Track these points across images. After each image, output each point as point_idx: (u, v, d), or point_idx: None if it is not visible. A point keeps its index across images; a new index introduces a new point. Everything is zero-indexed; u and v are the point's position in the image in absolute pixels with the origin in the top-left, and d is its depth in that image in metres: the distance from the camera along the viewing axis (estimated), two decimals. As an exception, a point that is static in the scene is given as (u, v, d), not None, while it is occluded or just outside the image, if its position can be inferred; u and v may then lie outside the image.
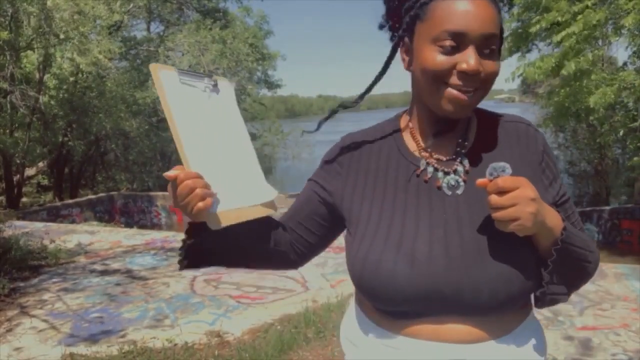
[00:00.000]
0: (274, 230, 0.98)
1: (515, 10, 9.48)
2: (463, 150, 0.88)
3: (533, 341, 0.87)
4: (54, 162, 13.86)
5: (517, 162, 0.86)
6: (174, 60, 15.84)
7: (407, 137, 0.92)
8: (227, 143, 0.91)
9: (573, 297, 3.38)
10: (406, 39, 0.86)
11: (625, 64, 10.06)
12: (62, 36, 9.78)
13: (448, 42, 0.78)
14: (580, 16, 6.93)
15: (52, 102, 12.06)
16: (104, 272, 5.10)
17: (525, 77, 8.71)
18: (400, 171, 0.89)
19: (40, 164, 13.82)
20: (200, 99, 0.90)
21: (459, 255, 0.81)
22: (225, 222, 0.84)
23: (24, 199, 13.12)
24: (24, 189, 13.01)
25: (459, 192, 0.85)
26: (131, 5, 14.03)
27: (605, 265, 4.69)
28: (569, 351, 3.02)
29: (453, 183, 0.86)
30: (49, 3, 9.29)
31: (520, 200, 0.74)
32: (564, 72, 7.51)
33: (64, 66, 10.76)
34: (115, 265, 5.37)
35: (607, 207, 12.66)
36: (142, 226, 12.32)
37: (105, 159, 17.32)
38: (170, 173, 0.80)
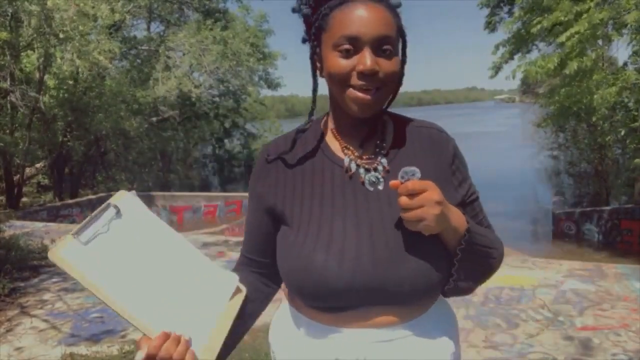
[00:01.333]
0: (255, 297, 1.02)
1: (516, 12, 9.49)
2: (382, 151, 0.95)
3: (444, 317, 0.98)
4: (54, 162, 13.86)
5: (430, 163, 0.95)
6: (174, 60, 15.85)
7: (329, 138, 0.98)
8: (164, 265, 0.88)
9: (573, 297, 3.36)
10: (317, 49, 0.93)
11: (625, 63, 10.07)
12: (62, 36, 9.77)
13: (346, 46, 0.86)
14: (585, 15, 6.93)
15: (52, 102, 12.06)
16: (104, 272, 5.10)
17: (526, 76, 8.71)
18: (326, 171, 0.94)
19: (40, 164, 13.81)
20: (111, 243, 0.84)
21: (384, 251, 0.87)
22: (211, 355, 0.86)
23: (24, 199, 13.11)
24: (24, 189, 13.00)
25: (380, 188, 0.92)
26: (131, 5, 14.03)
27: (605, 265, 4.69)
28: (569, 351, 3.01)
29: (374, 179, 0.92)
30: (49, 3, 9.28)
31: (426, 202, 0.82)
32: (566, 71, 7.51)
33: (64, 67, 10.75)
34: (115, 265, 5.37)
35: (607, 207, 12.65)
36: (142, 226, 12.28)
37: (105, 159, 17.31)
38: (139, 357, 0.82)
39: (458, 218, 0.88)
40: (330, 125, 0.99)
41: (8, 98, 10.44)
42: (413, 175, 0.83)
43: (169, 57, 15.69)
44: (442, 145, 0.98)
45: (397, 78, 0.90)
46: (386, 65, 0.87)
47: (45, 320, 3.86)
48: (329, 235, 0.88)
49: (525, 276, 4.37)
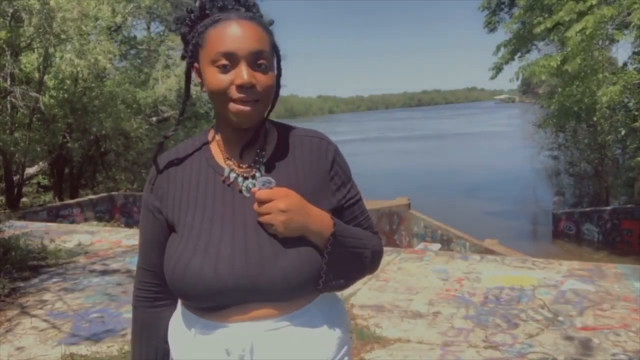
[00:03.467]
0: (165, 324, 1.10)
1: (516, 11, 9.50)
2: (261, 159, 1.02)
3: (329, 306, 1.04)
4: (54, 162, 13.86)
5: (307, 169, 1.03)
6: (175, 59, 15.85)
7: (214, 149, 1.04)
8: None
9: (573, 297, 3.36)
10: (196, 65, 0.99)
11: (625, 64, 10.08)
12: (63, 36, 9.76)
13: (223, 62, 0.92)
14: (595, 10, 6.94)
15: (52, 102, 12.05)
16: (104, 272, 5.10)
17: (530, 76, 8.71)
18: (209, 180, 1.01)
19: (40, 164, 13.80)
20: None
21: (256, 252, 0.94)
22: None
23: (24, 199, 13.11)
24: (24, 189, 13.01)
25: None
26: (131, 5, 14.03)
27: (605, 265, 4.69)
28: (569, 351, 3.01)
29: (251, 186, 0.99)
30: (52, 2, 9.27)
31: (272, 210, 0.93)
32: (568, 67, 7.51)
33: (63, 67, 10.73)
34: (115, 265, 5.37)
35: (607, 207, 12.66)
36: (142, 226, 12.28)
37: (105, 159, 17.31)
38: None
39: (321, 223, 0.97)
40: (216, 136, 1.05)
41: (8, 98, 10.44)
42: (269, 184, 0.94)
43: (169, 57, 15.69)
44: (321, 152, 1.06)
45: (272, 91, 0.99)
46: (262, 79, 0.94)
47: (45, 320, 3.87)
48: (207, 240, 0.95)
49: (525, 276, 4.37)
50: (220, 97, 0.94)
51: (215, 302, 0.95)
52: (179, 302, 1.07)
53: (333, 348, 1.02)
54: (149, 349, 1.09)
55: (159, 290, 1.08)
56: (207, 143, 1.06)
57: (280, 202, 0.93)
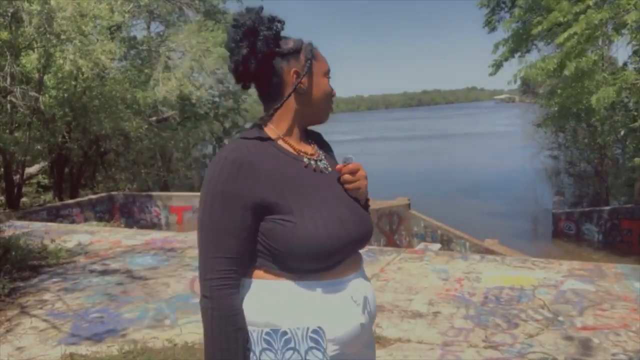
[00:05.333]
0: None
1: (515, 11, 9.49)
2: (316, 146, 1.33)
3: None
4: (54, 162, 13.85)
5: (331, 152, 1.39)
6: (175, 60, 15.84)
7: (284, 144, 1.24)
8: None
9: (573, 297, 3.35)
10: (298, 69, 1.22)
11: (625, 64, 10.07)
12: (63, 36, 9.75)
13: (329, 76, 1.30)
14: (582, 16, 6.93)
15: (52, 102, 12.04)
16: (104, 272, 5.10)
17: (527, 78, 8.71)
18: (295, 168, 1.22)
19: (40, 164, 13.80)
20: None
21: (359, 213, 1.24)
22: None
23: (24, 199, 13.11)
24: (24, 189, 13.00)
25: (330, 170, 1.28)
26: (131, 5, 14.02)
27: (605, 265, 4.69)
28: (569, 351, 3.02)
29: (325, 165, 1.28)
30: (52, 2, 9.27)
31: (361, 177, 1.26)
32: (565, 72, 7.50)
33: (66, 67, 10.71)
34: (115, 265, 5.37)
35: (607, 207, 12.65)
36: (142, 226, 12.32)
37: (105, 159, 17.32)
38: None
39: None
40: (281, 134, 1.25)
41: (8, 98, 10.43)
42: (350, 159, 1.24)
43: (169, 58, 15.68)
44: (324, 140, 1.41)
45: None
46: None
47: (45, 320, 3.87)
48: (329, 210, 1.17)
49: (525, 276, 4.37)
50: (328, 99, 1.28)
51: (343, 256, 1.18)
52: (284, 280, 1.16)
53: None
54: (238, 334, 1.13)
55: (236, 276, 1.16)
56: (271, 139, 1.23)
57: (363, 170, 1.26)
